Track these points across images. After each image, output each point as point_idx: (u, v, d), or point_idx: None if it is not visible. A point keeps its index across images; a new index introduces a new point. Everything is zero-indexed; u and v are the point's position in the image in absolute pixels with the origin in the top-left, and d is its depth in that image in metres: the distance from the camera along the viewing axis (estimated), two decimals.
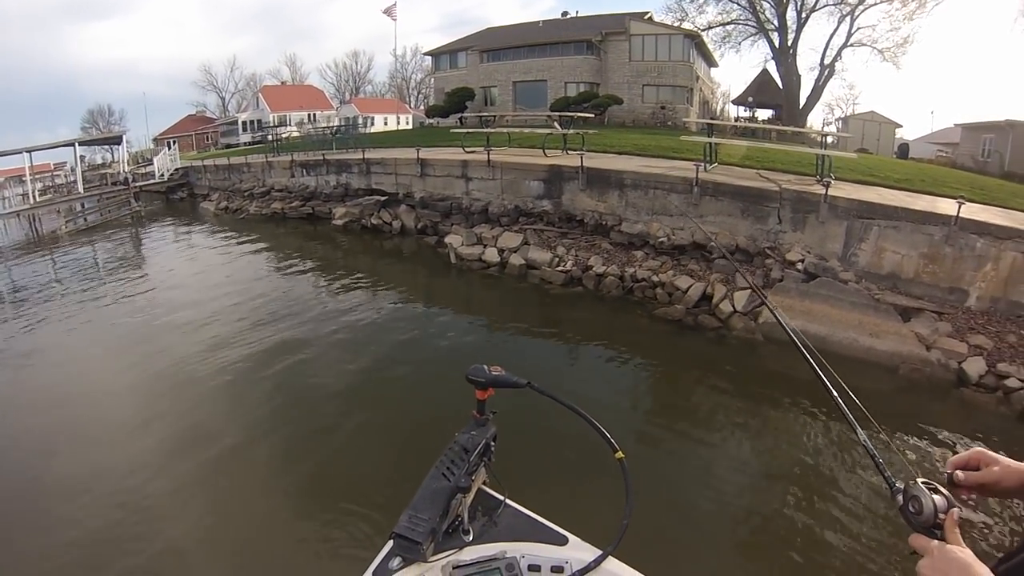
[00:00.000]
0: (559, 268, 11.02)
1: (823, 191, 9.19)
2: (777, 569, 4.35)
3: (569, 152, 13.63)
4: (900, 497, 1.07)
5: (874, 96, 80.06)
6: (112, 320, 11.01)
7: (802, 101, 30.84)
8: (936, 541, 0.98)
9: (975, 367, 7.19)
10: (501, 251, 12.18)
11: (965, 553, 0.95)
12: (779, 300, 8.52)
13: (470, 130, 17.84)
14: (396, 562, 1.43)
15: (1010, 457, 1.12)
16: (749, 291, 8.84)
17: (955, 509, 1.01)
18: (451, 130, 21.57)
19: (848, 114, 36.93)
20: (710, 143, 11.86)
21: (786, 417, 6.56)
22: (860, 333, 7.93)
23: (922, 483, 1.04)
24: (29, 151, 28.36)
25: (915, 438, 6.07)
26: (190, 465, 5.71)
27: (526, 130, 17.20)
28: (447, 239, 13.45)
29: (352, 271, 13.01)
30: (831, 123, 41.75)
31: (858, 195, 9.53)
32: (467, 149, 15.68)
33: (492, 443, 1.69)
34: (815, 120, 40.78)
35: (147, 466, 5.68)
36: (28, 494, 5.37)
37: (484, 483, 1.69)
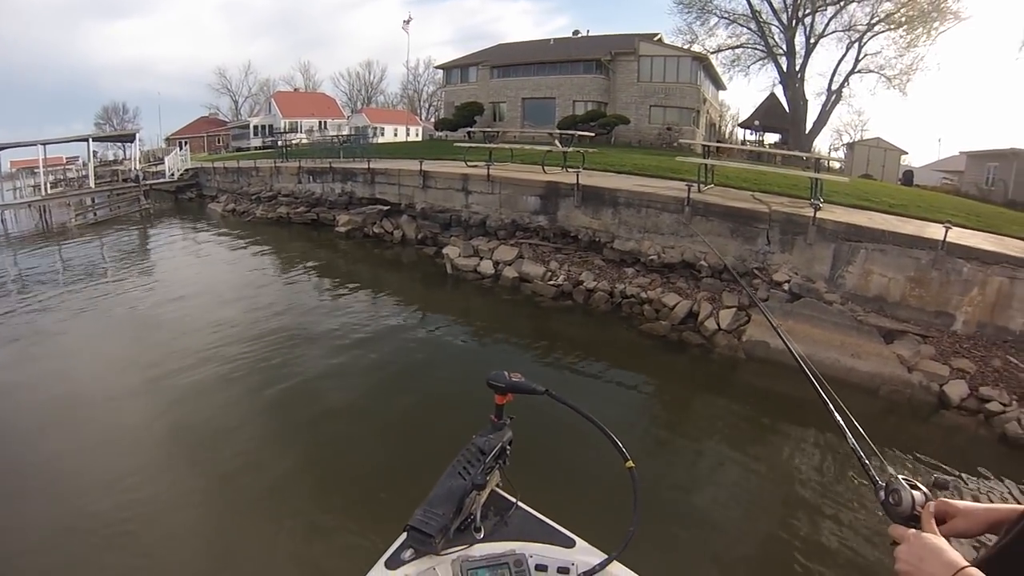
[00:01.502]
0: (551, 282, 11.20)
1: (812, 213, 9.30)
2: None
3: (568, 170, 13.82)
4: (883, 492, 1.14)
5: (882, 123, 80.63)
6: (111, 314, 11.27)
7: (809, 126, 31.00)
8: (913, 530, 1.05)
9: (957, 390, 7.27)
10: (496, 263, 12.36)
11: (939, 539, 1.02)
12: (762, 319, 8.59)
13: (473, 145, 18.06)
14: (408, 553, 1.48)
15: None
16: (734, 310, 8.97)
17: (931, 502, 1.09)
18: (454, 144, 21.83)
19: (854, 140, 37.01)
20: (705, 164, 12.01)
21: (773, 430, 6.73)
22: (842, 353, 8.00)
23: (903, 479, 1.13)
24: (43, 144, 28.71)
25: (899, 457, 6.14)
26: (191, 463, 5.86)
27: (527, 147, 17.38)
28: (445, 250, 13.64)
29: (353, 278, 13.27)
30: (838, 148, 41.91)
31: (848, 218, 9.62)
32: (469, 163, 15.91)
33: (508, 447, 1.72)
34: (822, 145, 40.88)
35: (145, 466, 5.80)
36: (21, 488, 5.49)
37: (498, 485, 1.73)
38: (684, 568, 4.39)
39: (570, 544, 1.54)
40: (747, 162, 16.39)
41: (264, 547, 4.67)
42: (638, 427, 6.87)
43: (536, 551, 1.49)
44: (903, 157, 30.07)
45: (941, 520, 1.12)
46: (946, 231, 8.39)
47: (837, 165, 27.46)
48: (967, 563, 0.94)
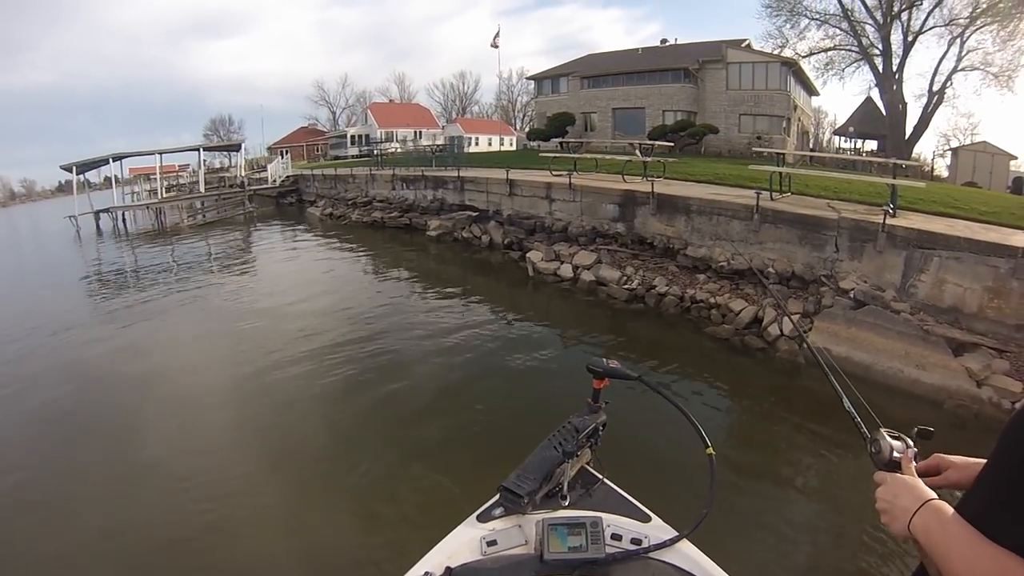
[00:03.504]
0: (625, 286, 11.74)
1: (881, 220, 9.24)
2: None
3: (648, 179, 14.25)
4: (868, 444, 1.25)
5: (995, 126, 73.83)
6: (218, 306, 12.85)
7: (909, 131, 29.56)
8: (892, 473, 1.16)
9: None
10: (575, 268, 13.04)
11: (913, 478, 1.12)
12: (825, 326, 8.76)
13: (558, 155, 18.78)
14: (499, 511, 1.66)
15: None
16: (798, 316, 9.18)
17: (911, 451, 1.18)
18: (539, 154, 22.55)
19: (958, 145, 34.89)
20: (780, 172, 12.18)
21: (835, 437, 6.57)
22: (905, 364, 7.92)
23: (884, 431, 1.22)
24: (160, 153, 31.99)
25: None
26: (298, 442, 6.61)
27: (608, 157, 17.89)
28: (528, 254, 14.45)
29: (442, 279, 14.29)
30: (944, 154, 39.64)
31: (925, 225, 9.38)
32: (554, 172, 16.60)
33: (601, 429, 1.87)
34: (926, 151, 38.53)
35: (234, 446, 6.61)
36: (111, 466, 6.21)
37: (588, 463, 1.87)
38: (750, 557, 4.51)
39: (646, 519, 1.68)
40: (823, 168, 16.20)
41: (376, 504, 5.37)
42: (701, 421, 7.16)
43: (613, 521, 1.62)
44: (1013, 163, 28.06)
45: (936, 472, 1.24)
46: None
47: (945, 173, 25.85)
48: (936, 496, 1.05)
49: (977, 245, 8.48)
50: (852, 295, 8.97)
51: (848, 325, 8.58)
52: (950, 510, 1.02)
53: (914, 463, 1.18)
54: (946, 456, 1.25)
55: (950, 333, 8.17)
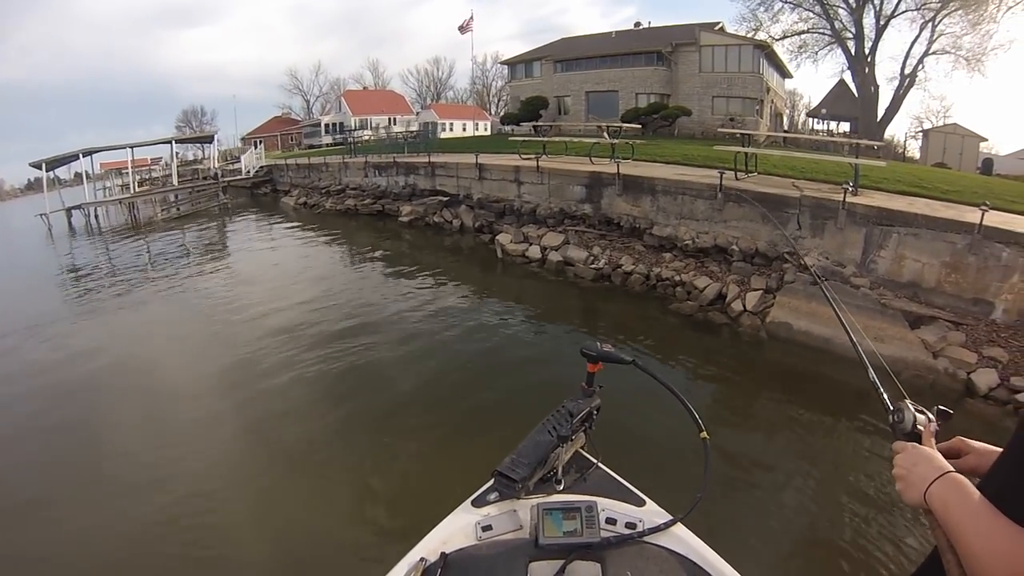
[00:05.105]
0: (592, 266, 11.80)
1: (842, 198, 9.32)
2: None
3: (615, 161, 14.24)
4: (890, 414, 1.26)
5: (967, 109, 75.00)
6: (192, 301, 12.53)
7: (881, 113, 29.81)
8: (911, 443, 1.18)
9: (985, 379, 6.99)
10: (543, 249, 13.09)
11: (932, 450, 1.14)
12: (787, 301, 8.87)
13: (527, 138, 18.74)
14: (494, 496, 1.66)
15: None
16: (761, 292, 9.27)
17: (933, 425, 1.20)
18: (509, 138, 22.49)
19: (930, 127, 35.26)
20: (745, 152, 12.25)
21: (814, 410, 6.80)
22: (862, 337, 8.01)
23: (909, 402, 1.24)
24: (131, 147, 31.15)
25: None
26: (272, 435, 6.37)
27: (576, 140, 17.85)
28: (497, 237, 14.47)
29: (415, 263, 14.20)
30: (916, 136, 40.11)
31: (885, 203, 9.51)
32: (523, 156, 16.58)
33: (595, 413, 1.88)
34: (899, 133, 38.93)
35: (212, 440, 6.38)
36: (87, 459, 6.07)
37: (582, 447, 1.87)
38: (742, 539, 4.51)
39: (640, 503, 1.68)
40: (797, 149, 16.25)
41: (369, 492, 5.29)
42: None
43: (608, 505, 1.62)
44: (983, 144, 28.36)
45: (956, 455, 1.24)
46: (982, 214, 8.06)
47: (916, 154, 26.18)
48: (954, 469, 1.07)
49: (935, 222, 8.64)
50: (813, 271, 9.03)
51: (809, 300, 8.67)
52: (970, 484, 1.03)
53: (934, 439, 1.19)
54: (968, 440, 1.27)
55: (908, 307, 8.34)
